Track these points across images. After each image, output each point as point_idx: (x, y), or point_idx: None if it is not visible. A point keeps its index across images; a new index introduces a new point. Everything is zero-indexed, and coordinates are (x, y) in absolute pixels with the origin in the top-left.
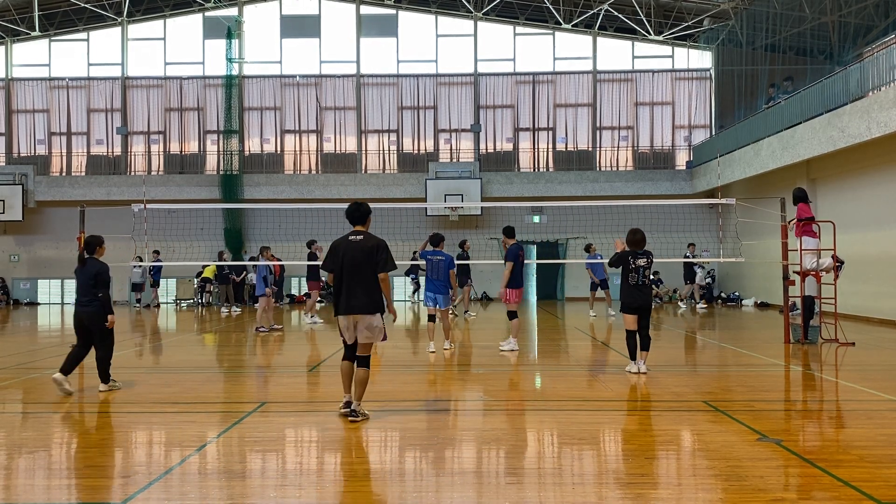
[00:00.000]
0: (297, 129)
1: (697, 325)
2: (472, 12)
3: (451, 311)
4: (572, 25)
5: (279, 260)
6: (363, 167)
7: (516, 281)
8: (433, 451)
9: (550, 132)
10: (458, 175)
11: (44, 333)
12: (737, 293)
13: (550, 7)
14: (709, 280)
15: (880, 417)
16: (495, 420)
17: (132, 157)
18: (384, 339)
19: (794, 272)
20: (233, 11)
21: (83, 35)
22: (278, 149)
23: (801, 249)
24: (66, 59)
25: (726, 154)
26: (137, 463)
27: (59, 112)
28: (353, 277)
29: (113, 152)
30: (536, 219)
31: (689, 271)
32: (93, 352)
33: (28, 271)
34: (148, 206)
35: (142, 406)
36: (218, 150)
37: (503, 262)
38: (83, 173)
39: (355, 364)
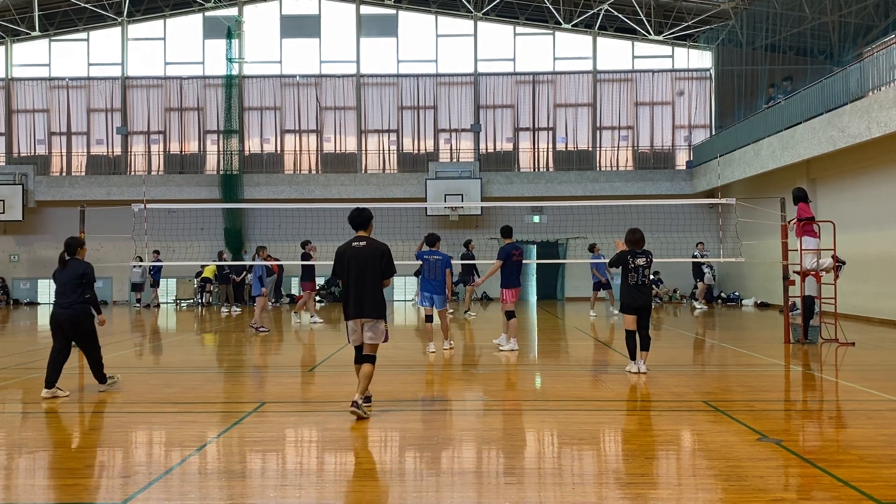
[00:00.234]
0: (297, 129)
1: (697, 325)
2: (472, 12)
3: (464, 310)
4: (572, 25)
5: (277, 260)
6: (363, 167)
7: (513, 281)
8: (433, 451)
9: (550, 132)
10: (458, 175)
11: (44, 333)
12: (737, 293)
13: (550, 7)
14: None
15: (880, 417)
16: (495, 420)
17: (132, 157)
18: (385, 339)
19: (794, 272)
20: (233, 11)
21: (83, 35)
22: (278, 149)
23: (801, 249)
24: (66, 59)
25: (726, 154)
26: (137, 463)
27: (59, 112)
28: (360, 283)
29: (113, 152)
30: (536, 219)
31: (697, 271)
32: (79, 354)
33: (28, 271)
34: (148, 206)
35: (142, 406)
36: (218, 150)
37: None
38: (83, 173)
39: (362, 360)
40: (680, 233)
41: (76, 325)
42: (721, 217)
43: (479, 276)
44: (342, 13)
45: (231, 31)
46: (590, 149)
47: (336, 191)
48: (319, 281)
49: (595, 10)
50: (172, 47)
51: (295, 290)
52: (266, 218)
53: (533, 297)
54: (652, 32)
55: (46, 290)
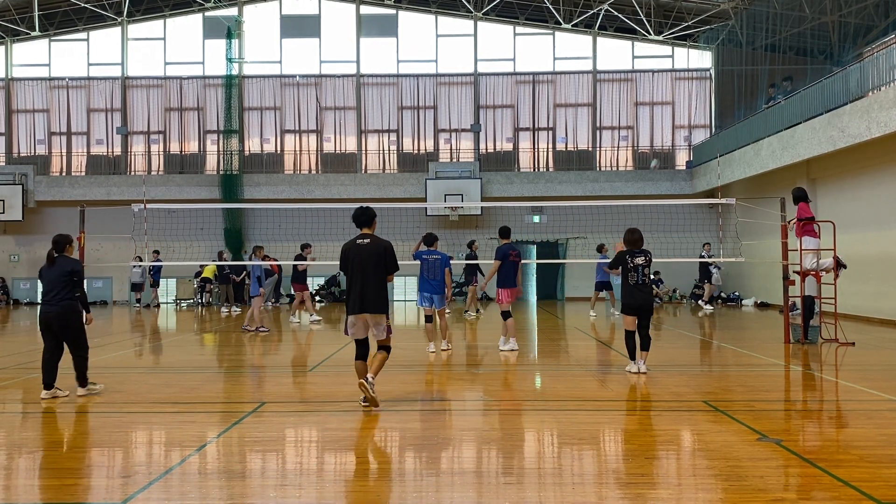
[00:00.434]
0: (297, 129)
1: (698, 325)
2: (472, 12)
3: (464, 310)
4: (572, 25)
5: (275, 259)
6: (363, 167)
7: (509, 281)
8: (433, 450)
9: (550, 132)
10: (458, 175)
11: None
12: (737, 293)
13: (550, 7)
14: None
15: (880, 417)
16: (495, 420)
17: (132, 157)
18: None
19: (794, 272)
20: (233, 11)
21: (83, 35)
22: (278, 149)
23: (801, 249)
24: (66, 59)
25: (726, 154)
26: (137, 463)
27: (59, 112)
28: (364, 280)
29: (113, 152)
30: (536, 219)
31: (705, 271)
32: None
33: (28, 271)
34: (148, 206)
35: (142, 406)
36: (218, 150)
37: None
38: (83, 173)
39: (377, 349)
40: (680, 233)
41: (64, 322)
42: (721, 217)
43: (482, 276)
44: (342, 13)
45: (231, 31)
46: (590, 149)
47: (336, 191)
48: (319, 281)
49: (595, 10)
50: (172, 47)
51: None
52: (266, 218)
53: (533, 297)
54: (652, 32)
55: None
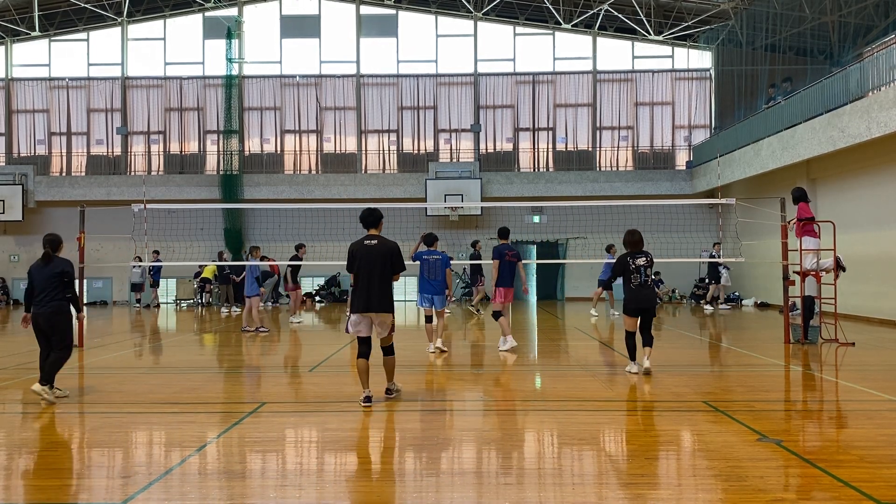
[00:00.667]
0: (297, 129)
1: (698, 325)
2: (472, 12)
3: (470, 308)
4: (572, 25)
5: (272, 260)
6: (363, 167)
7: (505, 280)
8: (433, 451)
9: (550, 132)
10: (458, 175)
11: None
12: (737, 293)
13: (550, 7)
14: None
15: (880, 417)
16: (495, 420)
17: (132, 157)
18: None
19: (794, 272)
20: (233, 11)
21: (83, 35)
22: (278, 149)
23: (801, 249)
24: (66, 59)
25: (726, 154)
26: (137, 463)
27: (59, 112)
28: (371, 279)
29: (113, 152)
30: (536, 219)
31: (713, 272)
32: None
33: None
34: (148, 206)
35: (142, 406)
36: (218, 150)
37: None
38: (83, 173)
39: (383, 354)
40: (680, 233)
41: (52, 321)
42: (721, 217)
43: (481, 277)
44: (342, 13)
45: (231, 31)
46: (590, 149)
47: (336, 191)
48: (319, 281)
49: (595, 10)
50: (172, 47)
51: None
52: (266, 218)
53: (533, 297)
54: (652, 32)
55: None
